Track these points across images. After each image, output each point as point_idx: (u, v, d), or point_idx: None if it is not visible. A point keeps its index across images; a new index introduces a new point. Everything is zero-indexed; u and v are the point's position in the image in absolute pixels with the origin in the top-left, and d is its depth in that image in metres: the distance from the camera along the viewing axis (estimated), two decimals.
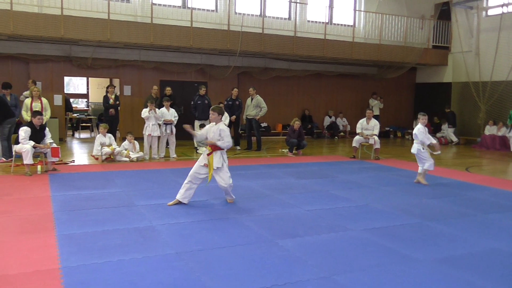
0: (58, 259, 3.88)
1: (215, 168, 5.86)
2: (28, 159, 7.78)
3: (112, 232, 4.69)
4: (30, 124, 8.07)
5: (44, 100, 9.91)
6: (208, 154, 5.90)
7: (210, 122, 6.23)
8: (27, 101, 9.69)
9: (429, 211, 5.94)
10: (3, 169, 8.51)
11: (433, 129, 15.90)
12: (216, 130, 5.92)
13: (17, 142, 8.05)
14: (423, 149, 7.75)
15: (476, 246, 4.55)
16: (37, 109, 9.39)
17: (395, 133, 18.01)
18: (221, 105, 12.03)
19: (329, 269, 3.84)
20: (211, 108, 6.15)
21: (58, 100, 13.18)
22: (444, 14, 16.96)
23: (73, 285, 3.36)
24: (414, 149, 7.84)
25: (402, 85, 18.39)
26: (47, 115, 9.77)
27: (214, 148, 5.91)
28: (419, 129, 7.78)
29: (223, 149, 5.96)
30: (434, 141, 7.86)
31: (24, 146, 7.81)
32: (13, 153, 8.26)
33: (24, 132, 7.88)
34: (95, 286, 3.35)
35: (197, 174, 5.91)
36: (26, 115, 9.49)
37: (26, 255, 3.97)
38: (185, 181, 5.93)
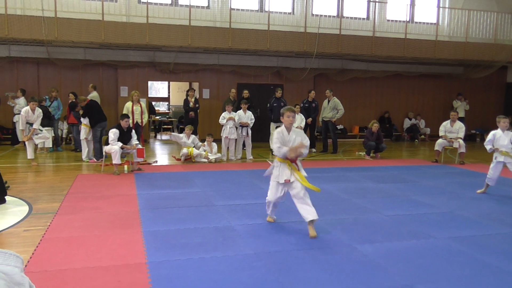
0: (145, 254, 4.10)
1: (306, 176, 4.87)
2: (116, 159, 8.32)
3: (193, 230, 4.87)
4: (118, 126, 8.61)
5: (142, 104, 10.66)
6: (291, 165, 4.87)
7: (287, 125, 4.93)
8: (128, 104, 10.43)
9: None
10: (94, 168, 9.16)
11: None
12: (300, 134, 4.98)
13: (106, 143, 8.64)
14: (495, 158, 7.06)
15: None
16: (137, 113, 10.32)
17: (482, 137, 16.86)
18: (297, 107, 12.03)
19: (411, 277, 3.69)
20: (288, 109, 4.93)
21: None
22: None
23: (159, 279, 3.53)
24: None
25: (491, 85, 17.21)
26: (145, 118, 10.62)
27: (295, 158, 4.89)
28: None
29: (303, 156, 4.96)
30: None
31: (113, 147, 8.35)
32: (104, 153, 8.86)
33: (113, 134, 8.43)
34: (179, 282, 3.50)
35: (280, 198, 5.05)
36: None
37: (115, 249, 4.24)
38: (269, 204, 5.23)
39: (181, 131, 13.41)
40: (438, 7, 15.67)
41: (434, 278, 3.69)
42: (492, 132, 7.30)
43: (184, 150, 10.03)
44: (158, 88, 21.31)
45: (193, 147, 10.16)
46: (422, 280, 3.64)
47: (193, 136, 10.34)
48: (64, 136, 12.92)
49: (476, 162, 10.89)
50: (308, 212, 4.72)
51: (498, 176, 7.09)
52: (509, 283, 3.62)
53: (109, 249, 4.22)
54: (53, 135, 11.54)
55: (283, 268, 3.84)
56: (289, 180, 4.83)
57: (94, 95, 11.88)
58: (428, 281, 3.63)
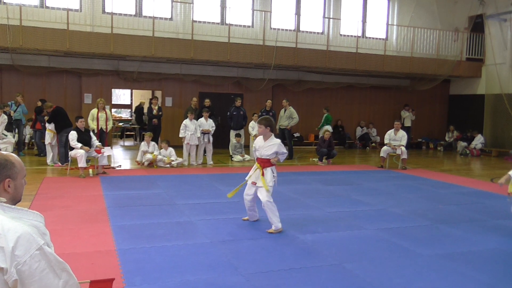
0: (114, 243, 4.68)
1: (270, 186, 5.33)
2: (82, 163, 8.78)
3: (157, 224, 5.48)
4: (75, 128, 9.10)
5: (107, 111, 11.15)
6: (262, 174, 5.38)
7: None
8: (94, 111, 10.87)
9: (442, 216, 6.41)
10: (59, 172, 9.55)
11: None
12: (269, 146, 5.40)
13: (71, 148, 9.06)
14: None
15: (477, 245, 5.04)
16: (102, 119, 10.86)
17: (428, 145, 18.20)
18: (255, 116, 12.76)
19: (340, 258, 4.45)
20: (257, 121, 5.49)
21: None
22: (478, 26, 17.13)
23: (127, 262, 4.14)
24: None
25: (436, 96, 18.59)
26: (110, 124, 11.09)
27: (264, 164, 5.40)
28: None
29: (274, 164, 5.44)
30: None
31: (79, 151, 8.81)
32: (69, 158, 9.28)
33: (72, 135, 8.92)
34: (145, 264, 4.12)
35: (246, 196, 5.57)
36: (92, 124, 10.73)
37: (87, 239, 4.81)
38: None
39: (143, 137, 13.85)
40: (387, 24, 16.90)
41: (359, 259, 4.47)
42: None
43: (148, 156, 10.55)
44: (119, 94, 21.55)
45: (153, 152, 10.71)
46: (349, 260, 4.41)
47: (152, 142, 10.89)
48: (26, 141, 13.11)
49: (418, 167, 11.95)
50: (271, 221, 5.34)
51: None
52: (418, 261, 4.45)
53: (82, 239, 4.78)
54: (17, 139, 11.77)
55: (234, 252, 4.53)
56: (255, 183, 5.41)
57: None
58: (354, 261, 4.41)
